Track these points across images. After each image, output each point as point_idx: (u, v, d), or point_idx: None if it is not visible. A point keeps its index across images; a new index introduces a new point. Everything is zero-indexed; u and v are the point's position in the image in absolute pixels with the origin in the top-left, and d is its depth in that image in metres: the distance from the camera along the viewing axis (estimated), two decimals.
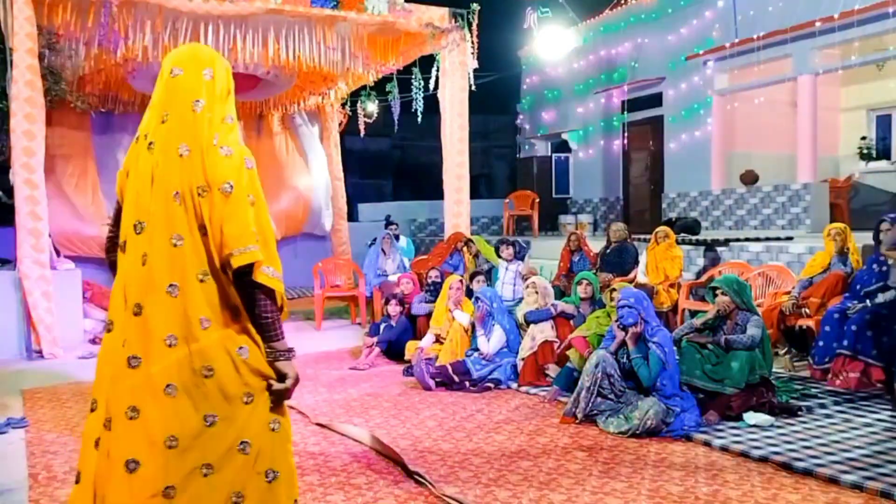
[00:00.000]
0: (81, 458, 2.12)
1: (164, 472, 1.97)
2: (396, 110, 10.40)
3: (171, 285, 2.02)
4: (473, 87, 9.29)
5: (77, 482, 2.11)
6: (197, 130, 2.06)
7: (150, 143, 2.08)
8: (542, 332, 5.82)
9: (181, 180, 2.03)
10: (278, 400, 2.13)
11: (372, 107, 11.59)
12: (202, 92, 2.11)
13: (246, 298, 2.07)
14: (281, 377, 2.11)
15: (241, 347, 2.06)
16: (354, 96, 11.70)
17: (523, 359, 5.75)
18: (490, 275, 7.72)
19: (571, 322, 6.00)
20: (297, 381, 2.14)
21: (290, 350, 2.14)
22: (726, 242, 8.62)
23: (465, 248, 8.57)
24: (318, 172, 12.27)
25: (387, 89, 10.25)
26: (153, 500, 1.96)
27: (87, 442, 2.10)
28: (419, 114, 9.58)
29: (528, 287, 6.27)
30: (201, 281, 2.03)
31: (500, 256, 7.79)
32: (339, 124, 12.35)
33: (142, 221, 2.06)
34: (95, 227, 10.44)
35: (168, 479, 1.97)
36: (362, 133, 11.55)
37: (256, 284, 2.04)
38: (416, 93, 9.48)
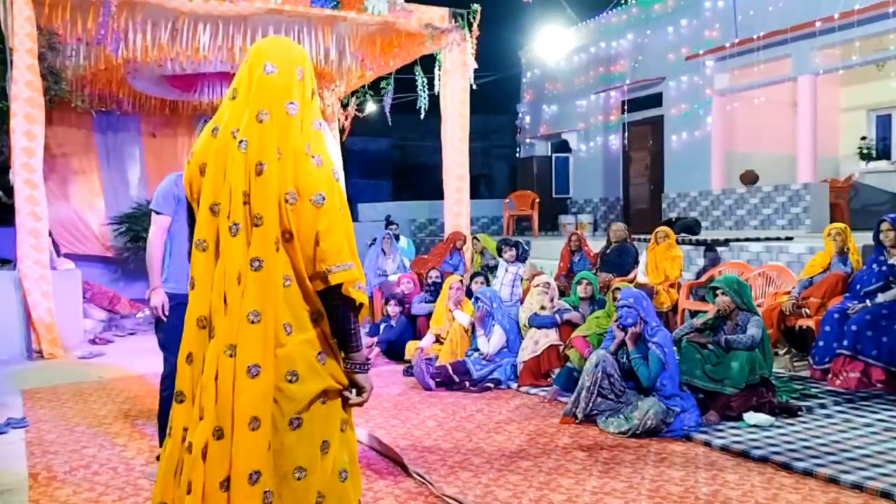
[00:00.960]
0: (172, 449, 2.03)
1: (264, 479, 1.94)
2: (388, 105, 10.34)
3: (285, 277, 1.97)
4: (474, 86, 9.28)
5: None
6: (291, 135, 1.98)
7: (242, 142, 1.97)
8: (547, 336, 5.79)
9: (286, 184, 1.95)
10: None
11: (371, 107, 11.57)
12: (295, 93, 2.01)
13: (330, 308, 2.02)
14: (358, 390, 2.09)
15: (319, 353, 2.02)
16: (355, 97, 11.68)
17: (524, 361, 5.74)
18: (493, 271, 7.71)
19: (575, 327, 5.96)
20: (370, 392, 2.13)
21: (368, 361, 2.12)
22: (726, 242, 8.61)
23: (470, 245, 8.54)
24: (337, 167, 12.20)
25: (381, 86, 10.21)
26: None
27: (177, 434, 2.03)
28: (423, 110, 9.54)
29: (537, 286, 6.23)
30: (286, 286, 1.97)
31: (501, 257, 7.79)
32: (343, 131, 12.30)
33: (237, 223, 1.96)
34: (97, 225, 10.44)
35: (266, 484, 1.94)
36: (346, 130, 11.46)
37: (347, 298, 1.99)
38: (420, 92, 9.47)
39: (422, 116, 9.66)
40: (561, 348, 5.74)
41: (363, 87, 11.19)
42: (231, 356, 1.93)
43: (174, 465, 2.02)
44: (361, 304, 2.02)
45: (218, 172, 1.99)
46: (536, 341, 5.78)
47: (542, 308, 6.04)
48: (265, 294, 1.93)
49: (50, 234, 9.47)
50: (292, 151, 1.96)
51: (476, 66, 9.19)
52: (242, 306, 1.94)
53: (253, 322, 1.93)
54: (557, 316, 5.94)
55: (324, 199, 1.95)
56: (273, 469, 1.96)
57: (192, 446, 1.95)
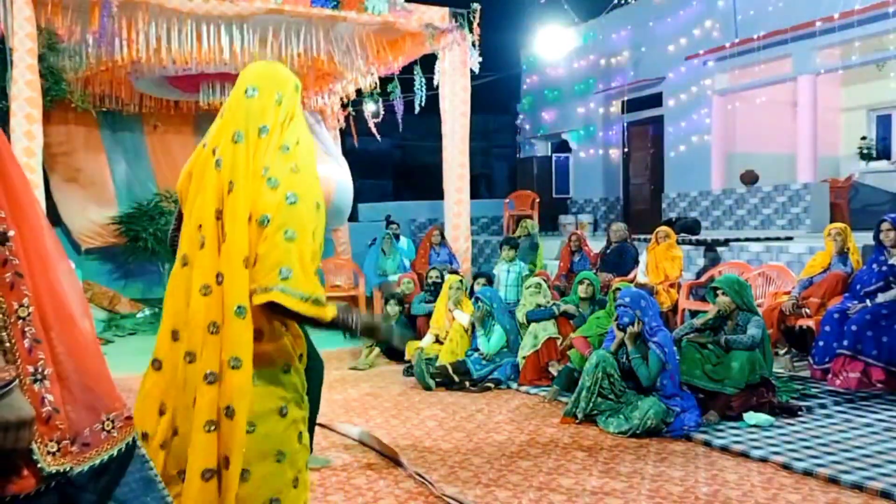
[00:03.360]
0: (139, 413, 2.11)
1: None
2: (400, 109, 10.36)
3: (238, 307, 2.01)
4: (475, 68, 9.24)
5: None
6: (257, 157, 2.07)
7: (218, 161, 2.08)
8: (545, 329, 5.83)
9: (248, 204, 2.04)
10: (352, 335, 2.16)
11: (374, 107, 11.54)
12: (269, 118, 2.11)
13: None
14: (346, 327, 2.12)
15: (284, 367, 2.12)
16: (357, 97, 11.65)
17: (525, 357, 5.76)
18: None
19: (572, 322, 6.00)
20: (349, 317, 2.12)
21: (352, 318, 2.12)
22: (726, 242, 8.61)
23: (463, 239, 8.60)
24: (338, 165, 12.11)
25: (388, 89, 10.22)
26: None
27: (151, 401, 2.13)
28: (418, 107, 9.52)
29: (528, 288, 6.27)
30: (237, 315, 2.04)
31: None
32: (343, 132, 12.27)
33: (205, 238, 2.06)
34: (111, 212, 10.33)
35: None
36: (378, 137, 11.37)
37: (290, 312, 2.02)
38: (419, 92, 9.46)
39: (416, 112, 9.60)
40: (559, 341, 5.77)
41: (372, 88, 11.14)
42: (190, 363, 2.05)
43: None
44: (314, 317, 2.01)
45: (198, 188, 2.11)
46: (535, 335, 5.80)
47: (538, 306, 6.06)
48: (226, 309, 2.01)
49: (65, 232, 9.45)
50: (255, 173, 2.05)
51: (477, 66, 9.17)
52: (205, 317, 2.03)
53: (212, 333, 2.02)
54: (554, 307, 5.97)
55: (268, 221, 2.00)
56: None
57: (151, 438, 2.08)
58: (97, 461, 1.68)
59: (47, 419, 1.55)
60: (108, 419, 1.70)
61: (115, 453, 1.73)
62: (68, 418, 1.59)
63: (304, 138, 2.20)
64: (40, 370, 1.56)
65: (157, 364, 2.15)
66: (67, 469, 1.57)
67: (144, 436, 2.08)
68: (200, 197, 2.09)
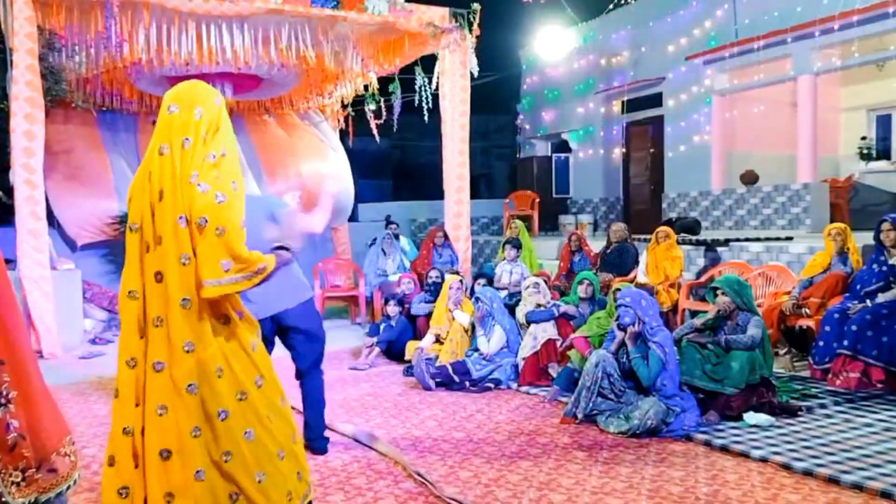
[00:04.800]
0: (112, 443, 2.44)
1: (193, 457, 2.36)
2: (397, 110, 10.36)
3: (183, 299, 2.35)
4: (475, 74, 9.24)
5: (111, 465, 2.41)
6: (182, 167, 2.36)
7: (150, 173, 2.39)
8: (545, 330, 5.81)
9: (178, 209, 2.34)
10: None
11: (374, 107, 11.54)
12: (191, 131, 2.40)
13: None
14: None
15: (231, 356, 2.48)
16: (357, 98, 11.64)
17: (524, 358, 5.75)
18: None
19: (572, 323, 5.99)
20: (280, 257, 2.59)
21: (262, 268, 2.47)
22: (726, 242, 8.62)
23: (462, 239, 8.57)
24: (343, 163, 12.07)
25: (390, 90, 10.21)
26: (188, 483, 2.33)
27: (117, 429, 2.44)
28: (426, 111, 9.51)
29: (527, 288, 6.27)
30: (185, 308, 2.38)
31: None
32: (344, 132, 12.25)
33: (147, 242, 2.38)
34: (111, 209, 10.25)
35: (196, 463, 2.36)
36: (377, 138, 11.34)
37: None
38: (422, 93, 9.45)
39: (417, 112, 9.62)
40: (559, 343, 5.76)
41: (366, 87, 11.14)
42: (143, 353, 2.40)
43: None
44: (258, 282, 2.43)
45: (137, 196, 2.42)
46: (535, 336, 5.80)
47: (538, 305, 6.06)
48: (167, 303, 2.35)
49: (60, 231, 9.40)
50: (183, 180, 2.35)
51: (476, 71, 9.16)
52: (149, 313, 2.38)
53: (157, 326, 2.36)
54: (554, 308, 5.96)
55: (206, 221, 2.32)
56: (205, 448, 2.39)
57: (131, 430, 2.41)
58: (64, 487, 1.58)
59: (12, 447, 1.43)
60: (69, 441, 1.63)
61: (73, 482, 1.63)
62: (34, 445, 1.47)
63: (230, 147, 2.47)
64: (4, 393, 1.45)
65: (132, 363, 2.44)
66: (32, 500, 1.46)
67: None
68: (137, 204, 2.41)
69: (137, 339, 2.40)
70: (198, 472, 2.34)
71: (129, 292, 2.41)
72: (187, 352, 2.33)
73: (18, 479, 1.47)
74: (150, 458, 2.33)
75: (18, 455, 1.46)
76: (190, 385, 2.33)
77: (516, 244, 7.84)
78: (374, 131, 10.97)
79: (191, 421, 2.34)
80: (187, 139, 2.37)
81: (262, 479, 2.42)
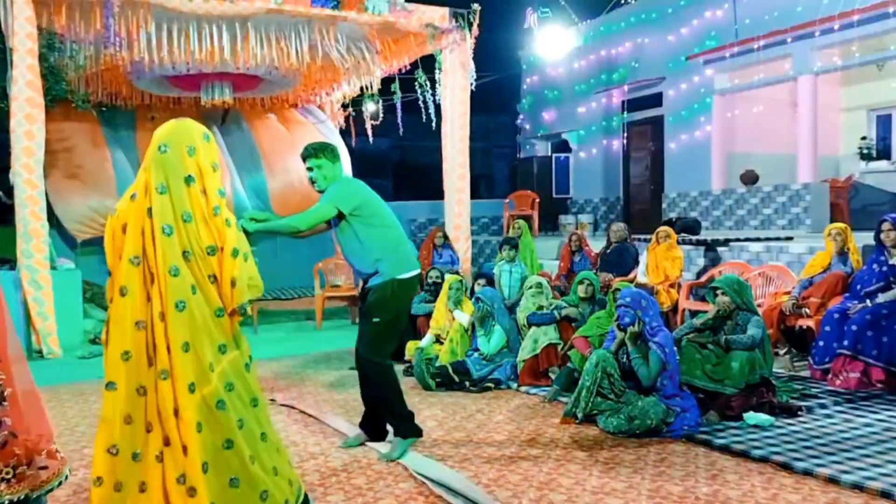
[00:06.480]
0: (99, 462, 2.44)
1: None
2: (400, 111, 10.36)
3: (219, 309, 2.61)
4: (473, 87, 9.26)
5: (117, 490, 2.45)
6: (195, 201, 2.56)
7: (150, 209, 2.55)
8: (546, 334, 5.78)
9: (189, 241, 2.54)
10: None
11: (374, 107, 11.54)
12: (190, 167, 2.59)
13: None
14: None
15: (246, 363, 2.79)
16: (357, 98, 11.64)
17: (523, 360, 5.74)
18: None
19: (574, 325, 5.97)
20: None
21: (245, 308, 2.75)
22: (726, 242, 8.61)
23: (462, 239, 8.54)
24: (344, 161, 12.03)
25: (392, 89, 10.21)
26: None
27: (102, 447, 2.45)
28: (431, 115, 9.50)
29: (529, 288, 6.25)
30: (218, 316, 2.63)
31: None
32: (344, 132, 12.23)
33: (153, 273, 2.54)
34: (112, 204, 10.22)
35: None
36: (370, 137, 11.36)
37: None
38: (423, 93, 9.44)
39: (427, 119, 9.62)
40: (560, 347, 5.75)
41: (364, 88, 11.14)
42: (164, 379, 2.51)
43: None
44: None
45: (136, 231, 2.55)
46: (536, 340, 5.78)
47: (540, 307, 6.05)
48: (192, 328, 2.52)
49: (60, 231, 9.37)
50: (202, 215, 2.56)
51: (474, 74, 9.16)
52: (172, 339, 2.50)
53: (185, 351, 2.52)
54: (556, 312, 5.95)
55: (237, 252, 2.58)
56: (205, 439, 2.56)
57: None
58: (55, 484, 1.58)
59: (3, 444, 1.44)
60: (55, 440, 1.62)
61: (64, 478, 1.63)
62: (25, 443, 1.48)
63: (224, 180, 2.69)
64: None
65: (141, 391, 2.56)
66: (22, 497, 1.46)
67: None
68: (142, 238, 2.55)
69: (146, 368, 2.53)
70: None
71: (137, 322, 2.53)
72: (180, 349, 2.54)
73: (9, 476, 1.48)
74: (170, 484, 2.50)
75: (10, 453, 1.47)
76: (220, 401, 2.56)
77: (513, 243, 7.82)
78: (369, 132, 10.96)
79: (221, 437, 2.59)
80: (190, 176, 2.57)
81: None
